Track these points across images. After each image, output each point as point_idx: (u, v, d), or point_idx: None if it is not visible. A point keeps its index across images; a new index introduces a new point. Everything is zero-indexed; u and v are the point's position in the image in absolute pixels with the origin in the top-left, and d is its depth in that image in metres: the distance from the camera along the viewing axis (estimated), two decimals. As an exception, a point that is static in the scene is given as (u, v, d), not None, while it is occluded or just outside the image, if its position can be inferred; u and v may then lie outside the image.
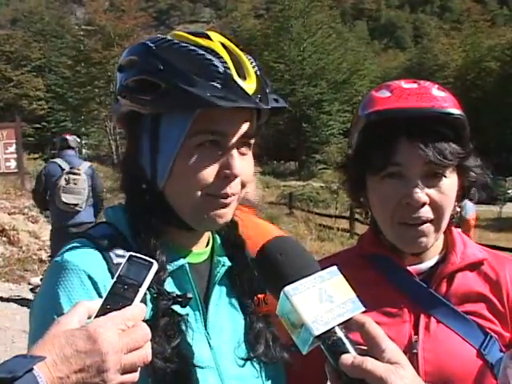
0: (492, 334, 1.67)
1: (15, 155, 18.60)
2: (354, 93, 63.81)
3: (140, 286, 1.13)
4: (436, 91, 1.68)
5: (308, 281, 1.14)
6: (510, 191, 37.40)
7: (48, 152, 46.07)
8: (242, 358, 1.46)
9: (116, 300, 1.10)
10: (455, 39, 77.13)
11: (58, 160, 9.15)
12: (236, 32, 78.35)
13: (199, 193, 1.35)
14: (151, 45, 1.38)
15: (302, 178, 48.21)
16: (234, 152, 1.36)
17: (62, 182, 8.74)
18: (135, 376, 1.08)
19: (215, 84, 1.30)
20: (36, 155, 38.74)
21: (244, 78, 1.34)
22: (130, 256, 1.17)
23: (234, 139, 1.36)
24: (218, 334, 1.44)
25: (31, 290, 10.54)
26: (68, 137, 9.42)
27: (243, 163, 1.39)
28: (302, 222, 22.52)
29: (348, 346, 1.11)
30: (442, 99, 1.65)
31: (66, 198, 8.70)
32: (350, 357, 1.09)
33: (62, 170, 8.93)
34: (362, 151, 1.72)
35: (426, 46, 79.79)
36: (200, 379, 1.32)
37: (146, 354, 1.09)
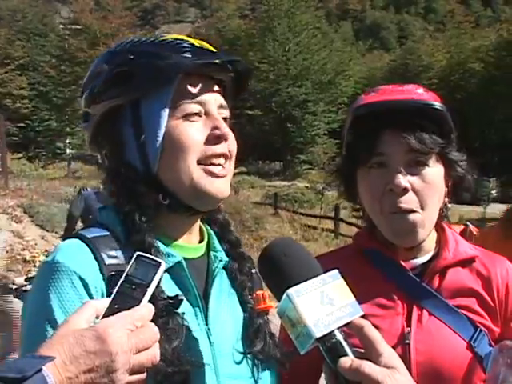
0: (482, 327, 1.72)
1: (-1, 154, 18.48)
2: (339, 93, 63.84)
3: (148, 286, 1.14)
4: (419, 90, 1.77)
5: (310, 283, 1.16)
6: (493, 192, 37.63)
7: (31, 151, 45.90)
8: (240, 353, 1.47)
9: (124, 300, 1.11)
10: (439, 40, 77.57)
11: None
12: (221, 32, 78.24)
13: (193, 162, 1.38)
14: (114, 49, 1.47)
15: (287, 178, 48.21)
16: (218, 116, 1.43)
17: None
18: (143, 376, 1.09)
19: (185, 54, 1.39)
20: (20, 154, 38.56)
21: (208, 49, 1.44)
22: (138, 256, 1.17)
23: (214, 106, 1.43)
24: (219, 329, 1.45)
25: (15, 289, 10.48)
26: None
27: (227, 129, 1.44)
28: (287, 222, 22.55)
29: (346, 348, 1.14)
30: (423, 94, 1.74)
31: None
32: (349, 360, 1.12)
33: None
34: (351, 146, 1.81)
35: (410, 47, 79.99)
36: (197, 378, 1.34)
37: (154, 354, 1.10)
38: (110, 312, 1.08)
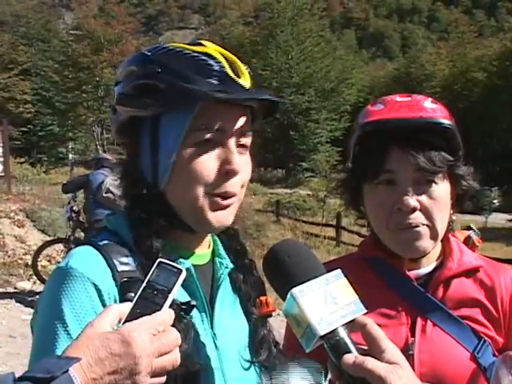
0: (486, 338, 1.72)
1: (2, 159, 18.49)
2: (342, 101, 63.87)
3: (169, 292, 1.16)
4: (427, 103, 1.75)
5: (314, 283, 1.18)
6: (495, 201, 37.56)
7: (34, 156, 45.92)
8: (246, 361, 1.49)
9: (146, 305, 1.13)
10: (442, 49, 77.45)
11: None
12: (224, 39, 78.30)
13: (201, 192, 1.38)
14: (148, 53, 1.43)
15: (289, 185, 48.12)
16: (234, 149, 1.39)
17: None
18: (163, 379, 1.11)
19: (212, 81, 1.35)
20: (22, 159, 38.53)
21: (238, 76, 1.39)
22: (160, 262, 1.19)
23: (233, 135, 1.40)
24: (224, 335, 1.46)
25: (17, 294, 10.50)
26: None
27: (242, 161, 1.42)
28: (289, 229, 22.52)
29: (350, 345, 1.16)
30: (432, 110, 1.72)
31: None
32: (352, 356, 1.14)
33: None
34: (358, 160, 1.80)
35: (413, 56, 79.93)
36: (206, 381, 1.35)
37: (175, 358, 1.12)
38: (132, 316, 1.10)
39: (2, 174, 18.55)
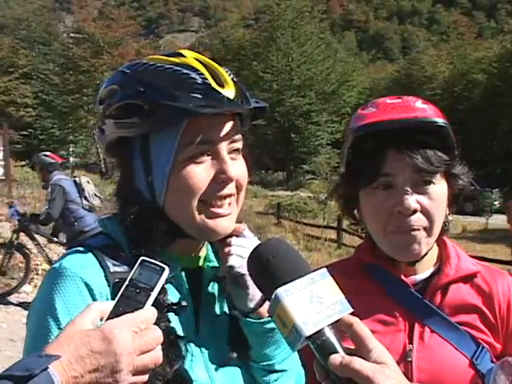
0: (484, 344, 1.71)
1: (2, 162, 18.55)
2: (343, 104, 63.88)
3: (152, 290, 1.16)
4: (419, 104, 1.74)
5: (299, 283, 1.17)
6: (496, 203, 37.57)
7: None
8: (231, 360, 1.48)
9: (128, 303, 1.13)
10: (443, 51, 77.55)
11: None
12: (225, 42, 78.42)
13: (199, 204, 1.38)
14: (127, 71, 1.43)
15: (290, 188, 48.17)
16: (226, 157, 1.39)
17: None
18: (145, 377, 1.11)
19: (196, 95, 1.34)
20: (23, 162, 38.54)
21: (222, 86, 1.38)
22: (142, 260, 1.20)
23: (223, 145, 1.39)
24: (209, 337, 1.46)
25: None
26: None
27: (236, 166, 1.42)
28: (290, 232, 22.51)
29: (336, 345, 1.14)
30: (423, 110, 1.71)
31: None
32: (339, 357, 1.12)
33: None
34: (353, 165, 1.78)
35: (413, 58, 79.99)
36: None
37: (157, 355, 1.12)
38: (114, 314, 1.10)
39: (3, 178, 18.59)
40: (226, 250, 1.43)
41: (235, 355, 1.48)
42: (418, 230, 1.68)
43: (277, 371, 1.51)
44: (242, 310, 1.44)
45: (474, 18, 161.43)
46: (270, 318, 1.41)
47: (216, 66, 1.41)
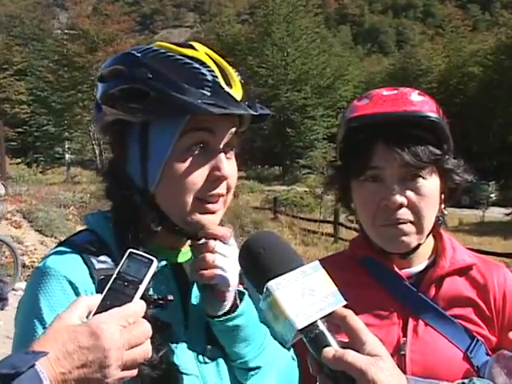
0: (479, 337, 1.70)
1: (-2, 160, 18.48)
2: (338, 98, 64.02)
3: (140, 283, 1.14)
4: (414, 96, 1.72)
5: (291, 275, 1.15)
6: (492, 195, 37.69)
7: (30, 156, 45.83)
8: (217, 353, 1.48)
9: (116, 296, 1.11)
10: (438, 44, 77.52)
11: None
12: (220, 37, 78.26)
13: (190, 197, 1.37)
14: (137, 54, 1.39)
15: (287, 182, 48.25)
16: (223, 155, 1.39)
17: None
18: (134, 372, 1.10)
19: (204, 91, 1.33)
20: (18, 160, 38.53)
21: (230, 86, 1.37)
22: (130, 253, 1.18)
23: (222, 142, 1.39)
24: (196, 330, 1.46)
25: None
26: None
27: (229, 166, 1.42)
28: (287, 226, 22.53)
29: (330, 338, 1.13)
30: (417, 103, 1.69)
31: None
32: (332, 350, 1.10)
33: None
34: (345, 157, 1.79)
35: (409, 51, 79.93)
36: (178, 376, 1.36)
37: (146, 350, 1.10)
38: (102, 308, 1.08)
39: (-2, 175, 18.54)
40: (210, 257, 1.37)
41: (215, 350, 1.47)
42: (405, 223, 1.67)
43: (252, 369, 1.50)
44: (209, 314, 1.43)
45: (469, 11, 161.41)
46: (232, 316, 1.41)
47: (226, 64, 1.40)
